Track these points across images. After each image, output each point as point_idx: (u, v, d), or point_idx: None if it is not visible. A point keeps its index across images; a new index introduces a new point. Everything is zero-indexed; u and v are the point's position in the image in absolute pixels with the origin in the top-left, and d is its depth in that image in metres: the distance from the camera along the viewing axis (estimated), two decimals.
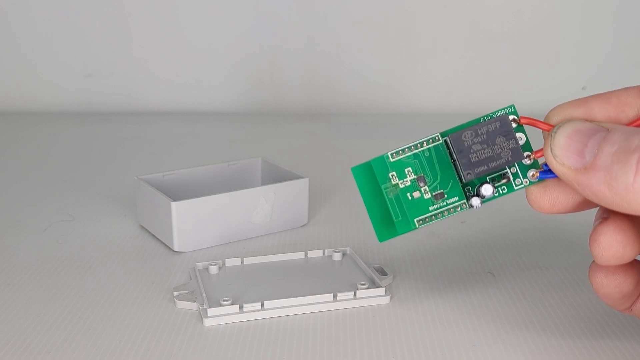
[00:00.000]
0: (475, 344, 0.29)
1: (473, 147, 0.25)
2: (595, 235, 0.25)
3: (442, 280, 0.36)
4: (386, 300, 0.33)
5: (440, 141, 0.27)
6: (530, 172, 0.26)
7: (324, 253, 0.38)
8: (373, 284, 0.34)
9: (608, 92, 0.25)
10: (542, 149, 0.25)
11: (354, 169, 0.27)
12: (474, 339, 0.30)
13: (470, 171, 0.25)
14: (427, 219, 0.27)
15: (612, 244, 0.24)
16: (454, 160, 0.26)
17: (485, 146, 0.25)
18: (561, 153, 0.23)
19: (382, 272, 0.35)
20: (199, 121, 0.74)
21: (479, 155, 0.25)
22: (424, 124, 0.72)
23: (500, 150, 0.25)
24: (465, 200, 0.26)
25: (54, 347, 0.29)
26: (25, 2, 0.77)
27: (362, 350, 0.29)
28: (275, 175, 0.44)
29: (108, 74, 0.79)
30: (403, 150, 0.27)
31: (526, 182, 0.26)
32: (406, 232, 0.27)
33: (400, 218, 0.27)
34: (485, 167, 0.25)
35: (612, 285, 0.26)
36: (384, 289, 0.33)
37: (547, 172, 0.26)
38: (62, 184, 0.52)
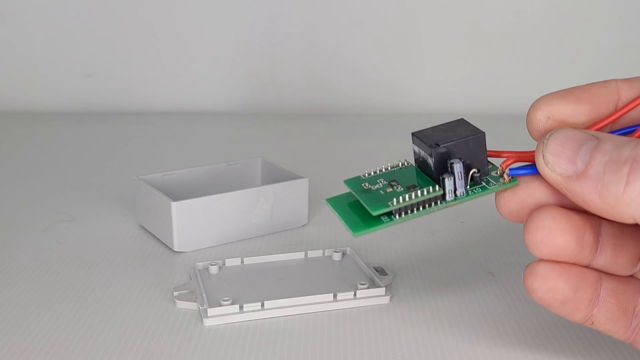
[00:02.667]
0: (475, 344, 0.29)
1: (435, 133, 0.26)
2: (526, 222, 0.25)
3: (442, 280, 0.36)
4: (386, 300, 0.33)
5: (411, 164, 0.28)
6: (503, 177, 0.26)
7: (324, 253, 0.38)
8: (373, 284, 0.34)
9: (589, 84, 0.26)
10: (507, 160, 0.26)
11: (329, 200, 0.28)
12: (474, 338, 0.30)
13: (433, 143, 0.26)
14: (401, 200, 0.26)
15: (538, 228, 0.24)
16: (421, 158, 0.27)
17: (448, 132, 0.26)
18: (553, 160, 0.24)
19: (382, 272, 0.35)
20: (199, 121, 0.74)
21: (442, 135, 0.26)
22: (424, 124, 0.71)
23: (461, 131, 0.26)
24: (438, 186, 0.26)
25: (54, 347, 0.29)
26: (25, 2, 0.77)
27: (362, 350, 0.29)
28: (275, 175, 0.44)
29: (108, 74, 0.79)
30: (375, 172, 0.28)
31: (500, 183, 0.26)
32: (382, 220, 0.26)
33: (374, 204, 0.26)
34: (449, 139, 0.26)
35: (543, 290, 0.25)
36: (384, 289, 0.33)
37: (518, 169, 0.26)
38: (62, 184, 0.52)
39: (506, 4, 0.76)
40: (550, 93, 0.26)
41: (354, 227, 0.26)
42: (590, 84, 0.26)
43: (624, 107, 0.25)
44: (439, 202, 0.26)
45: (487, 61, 0.77)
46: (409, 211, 0.26)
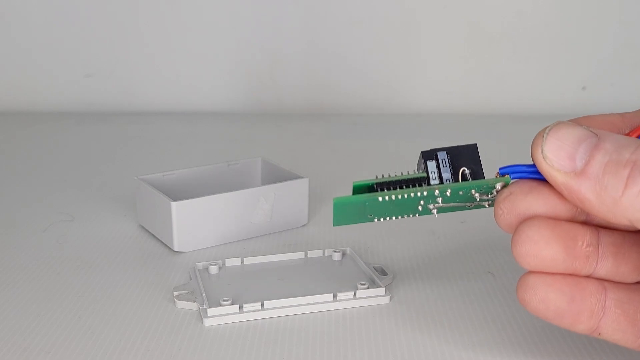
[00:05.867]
0: (475, 344, 0.29)
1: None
2: (513, 234, 0.25)
3: (442, 280, 0.36)
4: (386, 300, 0.33)
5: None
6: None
7: (323, 253, 0.38)
8: (373, 284, 0.34)
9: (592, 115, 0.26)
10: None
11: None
12: (474, 339, 0.30)
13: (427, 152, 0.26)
14: (383, 176, 0.26)
15: (523, 240, 0.24)
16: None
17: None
18: (552, 156, 0.23)
19: (382, 272, 0.35)
20: (199, 121, 0.74)
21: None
22: (424, 124, 0.72)
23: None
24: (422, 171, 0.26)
25: (54, 347, 0.29)
26: (25, 2, 0.77)
27: (362, 350, 0.29)
28: (275, 175, 0.44)
29: (108, 74, 0.79)
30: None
31: (498, 186, 0.26)
32: (364, 196, 0.26)
33: (358, 181, 0.26)
34: (443, 149, 0.26)
35: (535, 302, 0.25)
36: (384, 288, 0.33)
37: (516, 168, 0.26)
38: (62, 184, 0.52)
39: (506, 4, 0.76)
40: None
41: (336, 200, 0.26)
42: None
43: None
44: (423, 184, 0.26)
45: (487, 61, 0.77)
46: (392, 187, 0.26)
